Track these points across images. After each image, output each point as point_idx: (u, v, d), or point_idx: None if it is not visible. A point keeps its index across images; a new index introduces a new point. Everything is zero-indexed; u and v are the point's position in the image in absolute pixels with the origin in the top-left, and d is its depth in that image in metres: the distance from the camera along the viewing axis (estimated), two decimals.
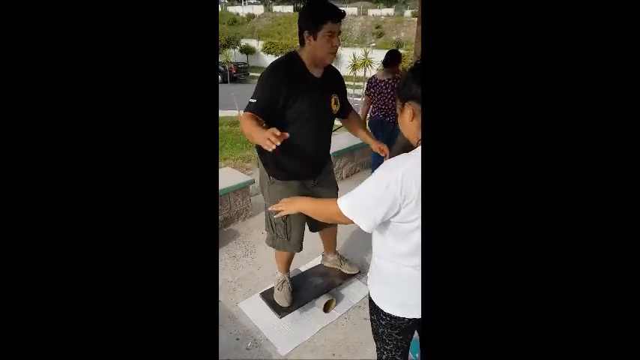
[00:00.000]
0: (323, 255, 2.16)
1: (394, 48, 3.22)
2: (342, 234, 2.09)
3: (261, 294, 1.95)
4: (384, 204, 0.83)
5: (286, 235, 1.69)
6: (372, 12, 29.13)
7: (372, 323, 1.11)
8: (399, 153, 1.24)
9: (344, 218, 0.90)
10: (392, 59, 2.99)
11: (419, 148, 0.86)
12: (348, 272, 2.08)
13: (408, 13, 27.65)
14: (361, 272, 2.12)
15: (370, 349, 1.63)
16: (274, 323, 1.80)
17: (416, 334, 1.32)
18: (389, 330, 1.04)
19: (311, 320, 1.85)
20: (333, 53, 1.38)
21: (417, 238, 0.88)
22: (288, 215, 1.63)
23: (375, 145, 1.61)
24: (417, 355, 1.47)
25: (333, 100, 1.52)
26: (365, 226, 0.87)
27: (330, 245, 2.08)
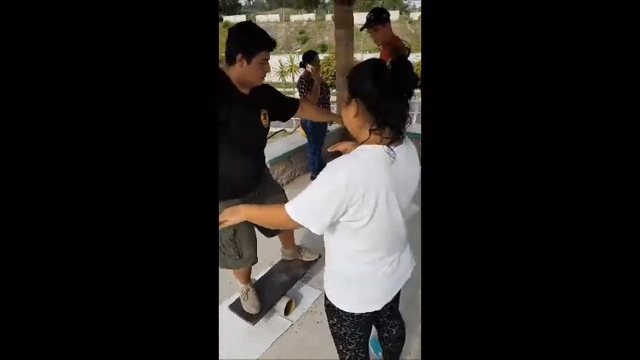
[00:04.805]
0: (282, 251, 2.16)
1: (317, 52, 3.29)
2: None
3: (230, 306, 1.91)
4: (332, 206, 0.83)
5: (237, 253, 1.65)
6: (294, 18, 29.50)
7: (332, 327, 1.11)
8: (334, 143, 1.26)
9: (293, 223, 0.89)
10: (304, 59, 3.16)
11: (362, 147, 0.87)
12: (309, 259, 2.11)
13: (329, 17, 28.44)
14: (322, 256, 2.14)
15: (326, 352, 1.63)
16: (227, 341, 1.73)
17: (375, 332, 1.35)
18: (352, 329, 1.06)
19: (264, 333, 1.80)
20: (263, 77, 1.42)
21: (367, 235, 0.90)
22: (235, 232, 1.60)
23: (337, 119, 1.73)
24: (379, 353, 1.49)
25: (262, 115, 1.51)
26: (315, 230, 0.87)
27: (288, 241, 2.09)
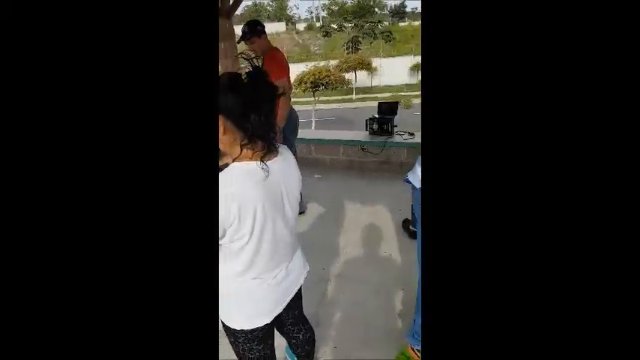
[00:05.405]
0: None
1: None
2: None
3: None
4: None
5: None
6: None
7: (231, 346, 1.08)
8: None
9: None
10: None
11: (234, 164, 0.84)
12: None
13: None
14: None
15: None
16: None
17: (283, 341, 1.34)
18: (248, 345, 1.03)
19: None
20: None
21: (249, 252, 0.88)
22: None
23: None
24: (295, 358, 1.49)
25: None
26: None
27: None
